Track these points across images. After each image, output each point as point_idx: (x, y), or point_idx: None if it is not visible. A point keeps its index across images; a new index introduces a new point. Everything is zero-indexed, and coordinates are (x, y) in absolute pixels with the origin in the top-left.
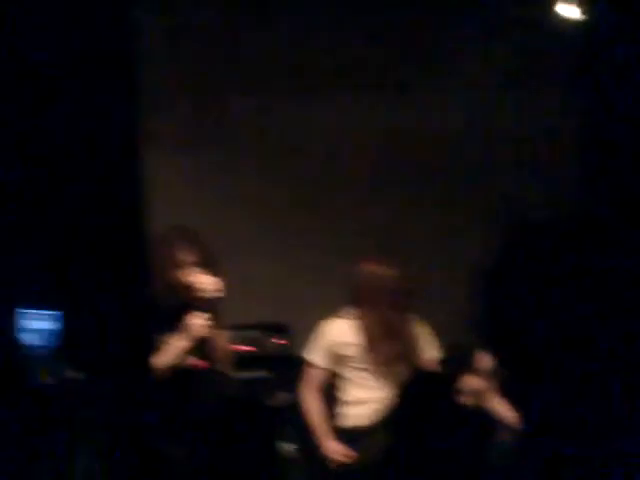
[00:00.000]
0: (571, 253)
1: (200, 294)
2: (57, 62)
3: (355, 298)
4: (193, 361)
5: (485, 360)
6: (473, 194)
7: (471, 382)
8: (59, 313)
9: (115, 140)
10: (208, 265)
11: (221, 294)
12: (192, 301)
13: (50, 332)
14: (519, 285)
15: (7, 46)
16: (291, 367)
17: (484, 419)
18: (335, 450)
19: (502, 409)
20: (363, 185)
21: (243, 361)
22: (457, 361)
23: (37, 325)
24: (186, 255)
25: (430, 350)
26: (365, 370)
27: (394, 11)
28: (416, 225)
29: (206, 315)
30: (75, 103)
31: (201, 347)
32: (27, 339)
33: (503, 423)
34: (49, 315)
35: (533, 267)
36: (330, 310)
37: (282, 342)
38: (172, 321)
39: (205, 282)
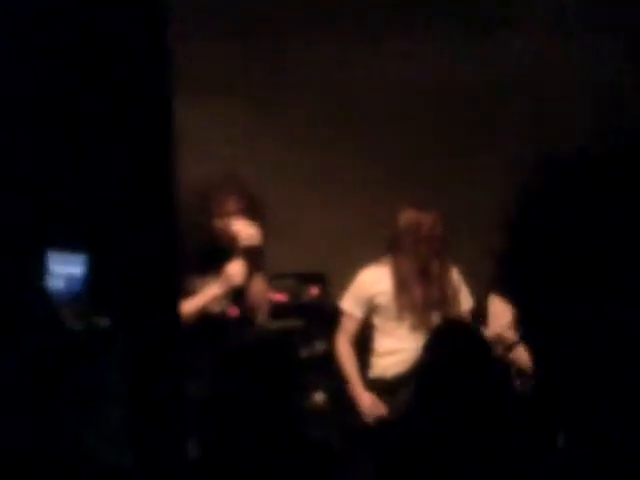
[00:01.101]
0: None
1: (239, 242)
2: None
3: (392, 244)
4: (227, 308)
5: (505, 311)
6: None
7: (495, 332)
8: (86, 256)
9: (146, 83)
10: (251, 213)
11: (259, 242)
12: (231, 248)
13: (77, 276)
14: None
15: None
16: (326, 317)
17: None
18: (366, 400)
19: (523, 358)
20: (404, 136)
21: (278, 310)
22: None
23: (64, 269)
24: (229, 202)
25: (465, 300)
26: (399, 319)
27: None
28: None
29: (244, 263)
30: (104, 42)
31: (237, 295)
32: (54, 283)
33: (522, 372)
34: (76, 258)
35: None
36: (368, 259)
37: (318, 291)
38: (209, 267)
39: (245, 230)
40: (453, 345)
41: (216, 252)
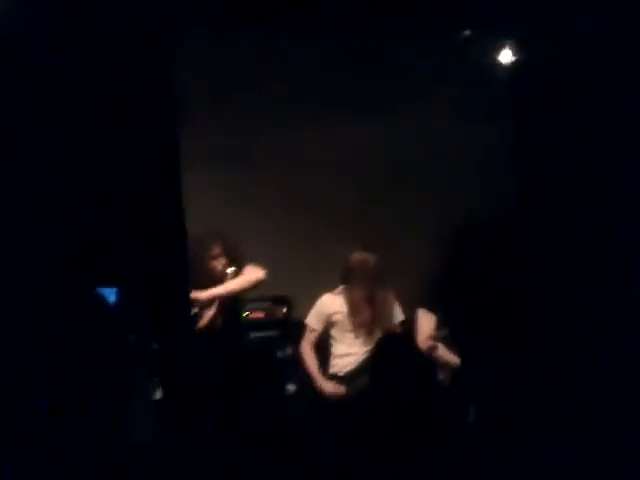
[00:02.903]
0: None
1: (225, 278)
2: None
3: (345, 277)
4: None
5: (428, 319)
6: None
7: (422, 336)
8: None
9: (159, 161)
10: (231, 255)
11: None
12: (220, 282)
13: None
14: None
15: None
16: (292, 329)
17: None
18: (329, 386)
19: (447, 356)
20: (355, 192)
21: (257, 324)
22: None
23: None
24: (214, 248)
25: (398, 315)
26: (351, 331)
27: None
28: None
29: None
30: (121, 126)
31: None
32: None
33: (444, 365)
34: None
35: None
36: (323, 286)
37: (286, 310)
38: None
39: (228, 269)
40: (394, 351)
41: (209, 286)
